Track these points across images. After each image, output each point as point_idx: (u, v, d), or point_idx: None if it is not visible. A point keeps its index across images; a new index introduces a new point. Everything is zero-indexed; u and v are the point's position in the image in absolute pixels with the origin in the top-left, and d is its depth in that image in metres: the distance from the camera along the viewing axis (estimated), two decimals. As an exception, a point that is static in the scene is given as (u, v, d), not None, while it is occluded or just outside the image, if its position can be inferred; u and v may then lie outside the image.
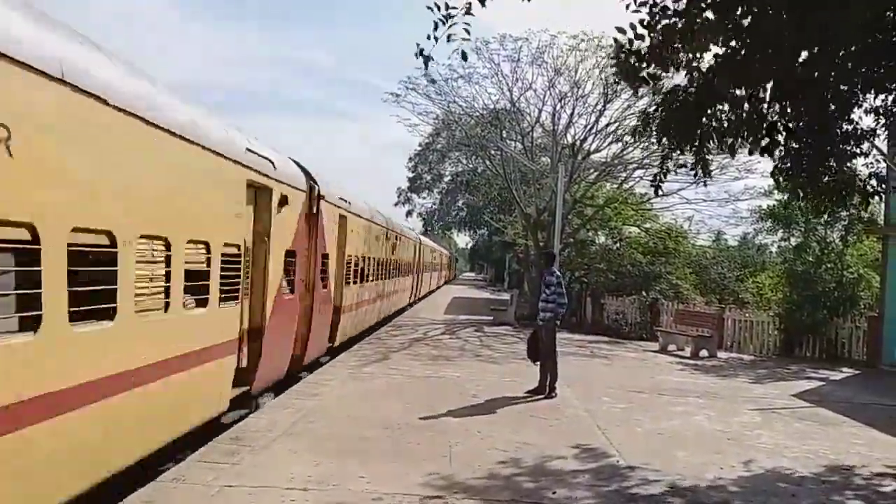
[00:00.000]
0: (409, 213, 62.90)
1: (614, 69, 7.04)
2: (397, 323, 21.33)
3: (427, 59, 6.19)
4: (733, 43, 6.67)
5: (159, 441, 5.99)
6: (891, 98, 7.89)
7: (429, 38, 5.99)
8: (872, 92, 7.78)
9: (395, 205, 62.47)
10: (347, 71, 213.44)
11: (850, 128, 8.18)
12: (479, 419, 8.61)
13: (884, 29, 6.58)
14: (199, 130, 6.28)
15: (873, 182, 8.81)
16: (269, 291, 8.45)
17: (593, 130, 24.56)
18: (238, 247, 7.53)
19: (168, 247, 5.74)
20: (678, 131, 7.73)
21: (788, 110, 7.84)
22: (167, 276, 5.75)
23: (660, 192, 9.64)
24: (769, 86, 7.29)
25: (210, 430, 7.11)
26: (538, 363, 10.72)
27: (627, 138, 22.21)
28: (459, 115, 27.14)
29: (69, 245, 4.34)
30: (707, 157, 8.19)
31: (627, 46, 6.69)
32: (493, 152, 27.74)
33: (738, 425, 9.31)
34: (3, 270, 4.12)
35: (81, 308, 4.52)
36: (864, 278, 19.87)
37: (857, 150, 8.47)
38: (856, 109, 8.07)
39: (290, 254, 9.32)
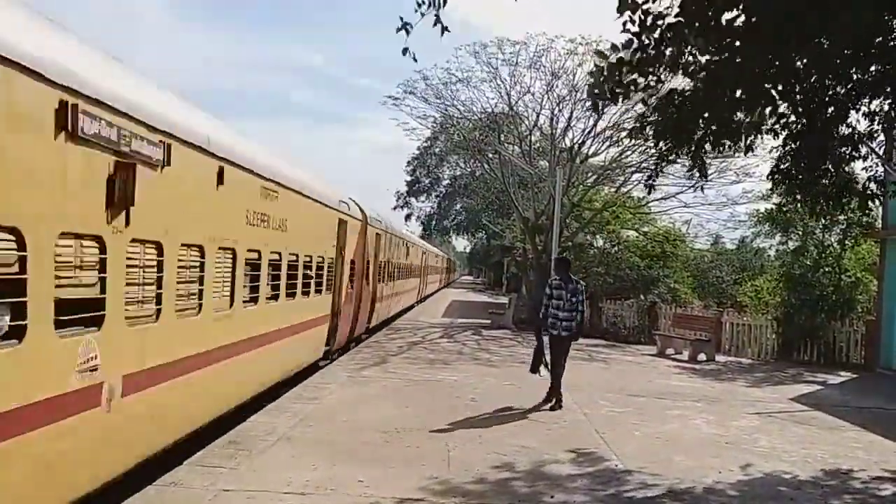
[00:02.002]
0: (407, 217, 63.00)
1: (593, 90, 6.65)
2: (395, 326, 21.30)
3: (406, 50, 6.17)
4: (730, 45, 6.67)
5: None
6: (888, 102, 7.90)
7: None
8: (869, 95, 7.80)
9: (394, 208, 62.61)
10: (345, 73, 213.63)
11: (847, 131, 8.20)
12: (478, 423, 8.60)
13: (880, 32, 6.60)
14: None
15: (872, 186, 8.83)
16: None
17: (591, 134, 24.61)
18: None
19: None
20: (674, 135, 7.74)
21: (785, 113, 7.85)
22: None
23: (651, 192, 9.65)
24: (766, 88, 7.30)
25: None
26: (539, 373, 10.38)
27: (625, 141, 22.23)
28: (458, 119, 27.17)
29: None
30: (704, 159, 8.21)
31: (611, 59, 6.49)
32: (491, 156, 27.76)
33: (737, 429, 9.30)
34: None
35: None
36: (861, 282, 19.87)
37: (855, 154, 8.49)
38: (853, 113, 8.09)
39: None
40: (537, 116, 25.50)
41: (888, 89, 7.42)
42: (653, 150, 12.67)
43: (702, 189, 9.18)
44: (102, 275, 4.82)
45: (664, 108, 7.52)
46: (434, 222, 63.71)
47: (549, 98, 24.28)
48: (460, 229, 64.02)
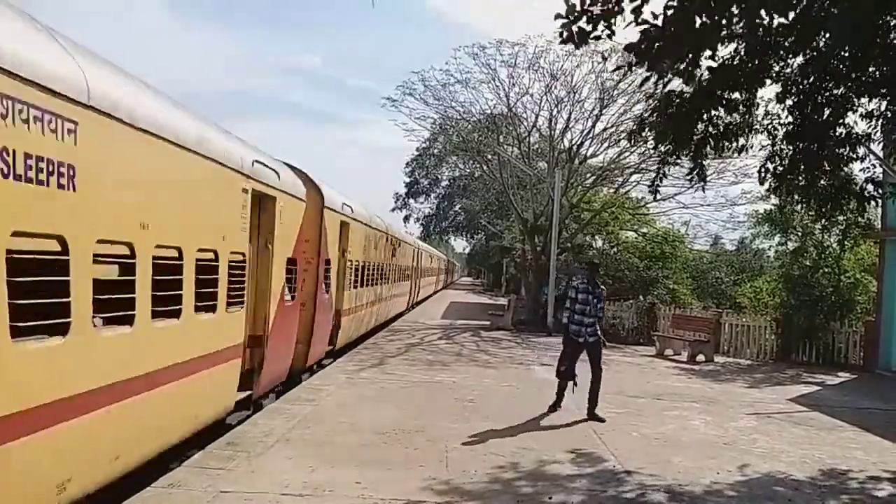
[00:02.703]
0: (406, 218, 63.07)
1: (560, 28, 6.27)
2: (394, 328, 21.31)
3: None
4: (729, 47, 6.69)
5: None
6: (885, 102, 7.91)
7: None
8: (867, 96, 7.81)
9: (393, 210, 62.67)
10: (344, 75, 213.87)
11: (845, 132, 8.21)
12: (476, 424, 8.58)
13: (877, 33, 6.61)
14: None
15: (870, 187, 8.84)
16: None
17: (590, 135, 24.64)
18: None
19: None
20: (675, 137, 7.76)
21: (784, 114, 7.86)
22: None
23: (657, 197, 9.64)
24: (765, 90, 7.32)
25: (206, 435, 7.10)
26: (563, 378, 9.87)
27: (623, 142, 22.27)
28: (457, 120, 27.19)
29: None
30: (703, 161, 8.23)
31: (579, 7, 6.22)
32: (490, 157, 27.77)
33: (735, 430, 9.30)
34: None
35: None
36: (860, 282, 19.87)
37: (853, 155, 8.50)
38: (850, 114, 8.10)
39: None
40: (536, 118, 25.59)
41: (885, 90, 7.43)
42: (652, 152, 12.69)
43: (703, 189, 9.17)
44: (384, 274, 19.40)
45: (664, 109, 7.54)
46: (433, 223, 63.75)
47: (547, 99, 24.35)
48: (459, 230, 64.06)
